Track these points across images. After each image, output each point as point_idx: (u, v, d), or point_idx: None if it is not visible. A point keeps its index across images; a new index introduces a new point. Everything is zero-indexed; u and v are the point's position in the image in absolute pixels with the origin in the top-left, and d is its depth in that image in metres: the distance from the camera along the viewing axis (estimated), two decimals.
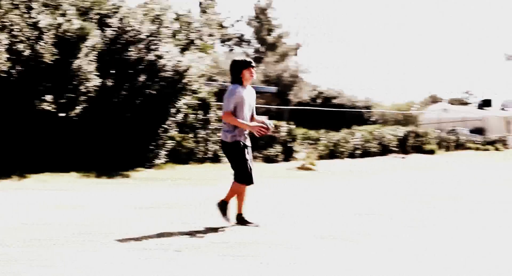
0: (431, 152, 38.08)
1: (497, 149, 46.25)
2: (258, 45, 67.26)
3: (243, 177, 9.05)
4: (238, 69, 9.12)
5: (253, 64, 9.25)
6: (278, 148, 27.26)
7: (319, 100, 43.03)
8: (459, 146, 44.31)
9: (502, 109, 70.51)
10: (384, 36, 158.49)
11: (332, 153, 30.10)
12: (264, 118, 9.45)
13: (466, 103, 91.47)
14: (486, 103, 68.08)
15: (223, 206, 9.08)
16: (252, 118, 9.39)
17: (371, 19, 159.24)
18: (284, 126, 28.29)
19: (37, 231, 8.48)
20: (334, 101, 42.83)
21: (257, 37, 67.18)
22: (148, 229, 8.63)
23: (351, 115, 39.89)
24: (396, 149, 35.44)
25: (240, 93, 9.00)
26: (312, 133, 30.15)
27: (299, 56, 59.54)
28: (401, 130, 37.09)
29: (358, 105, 43.11)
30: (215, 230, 8.62)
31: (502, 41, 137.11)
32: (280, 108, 34.77)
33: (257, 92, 36.18)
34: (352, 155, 31.31)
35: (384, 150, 34.31)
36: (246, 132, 9.20)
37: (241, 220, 9.13)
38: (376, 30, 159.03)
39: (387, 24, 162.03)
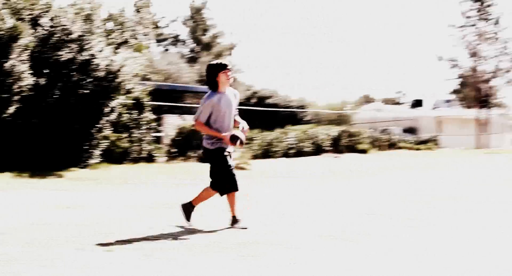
0: (364, 151, 38.50)
1: (429, 149, 47.05)
2: (194, 45, 67.31)
3: (227, 185, 8.90)
4: (213, 73, 8.80)
5: (229, 67, 8.88)
6: None
7: (253, 100, 43.14)
8: (392, 145, 44.96)
9: (434, 109, 71.86)
10: (319, 36, 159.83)
11: (266, 153, 30.31)
12: (243, 124, 9.20)
13: (399, 103, 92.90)
14: (418, 103, 69.36)
15: (234, 221, 8.92)
16: (234, 122, 9.22)
17: (304, 18, 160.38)
18: None
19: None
20: (269, 101, 42.99)
21: (192, 37, 67.23)
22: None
23: (285, 115, 40.10)
24: (330, 148, 35.76)
25: (212, 101, 8.70)
26: None
27: (234, 56, 59.55)
28: (334, 130, 37.41)
29: (292, 105, 43.39)
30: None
31: (434, 41, 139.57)
32: None
33: (191, 92, 36.06)
34: (286, 155, 31.57)
35: (318, 149, 34.60)
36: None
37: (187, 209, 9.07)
38: (311, 30, 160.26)
39: (321, 24, 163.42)
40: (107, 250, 7.19)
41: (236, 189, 8.93)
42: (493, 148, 59.10)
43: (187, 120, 30.30)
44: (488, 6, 63.78)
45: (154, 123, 26.54)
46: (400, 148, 45.38)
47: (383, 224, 9.23)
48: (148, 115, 25.78)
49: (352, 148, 37.90)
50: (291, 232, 8.47)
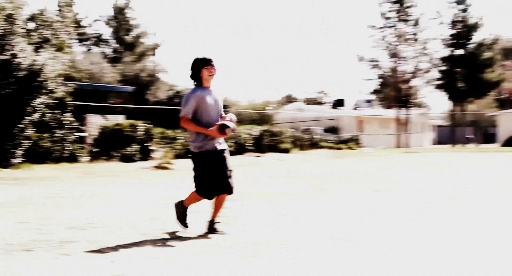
0: (286, 150, 38.73)
1: (350, 148, 47.71)
2: (117, 45, 66.91)
3: (203, 190, 8.35)
4: (197, 69, 8.34)
5: (213, 62, 8.36)
6: (135, 147, 27.36)
7: (176, 100, 43.14)
8: (314, 144, 45.39)
9: (355, 109, 73.00)
10: (243, 36, 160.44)
11: (189, 152, 30.32)
12: (230, 115, 8.44)
13: (320, 103, 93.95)
14: (339, 103, 70.29)
15: (181, 209, 8.67)
16: (221, 118, 8.52)
17: (228, 18, 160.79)
18: (141, 126, 28.38)
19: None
20: None
21: (115, 37, 66.84)
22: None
23: None
24: (252, 148, 35.98)
25: (198, 96, 8.23)
26: (169, 132, 30.33)
27: (158, 56, 59.41)
28: (256, 130, 37.61)
29: None
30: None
31: (355, 42, 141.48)
32: (137, 107, 34.82)
33: (114, 92, 35.81)
34: None
35: (240, 148, 34.68)
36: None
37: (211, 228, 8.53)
38: (235, 30, 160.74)
39: (245, 23, 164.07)
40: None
41: (210, 197, 8.41)
42: (413, 147, 60.47)
43: (110, 120, 30.24)
44: (408, 7, 65.13)
45: (76, 123, 26.49)
46: (321, 147, 45.89)
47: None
48: (71, 115, 25.72)
49: (274, 148, 38.06)
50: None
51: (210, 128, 8.16)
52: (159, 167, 24.14)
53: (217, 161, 8.32)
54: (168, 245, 7.49)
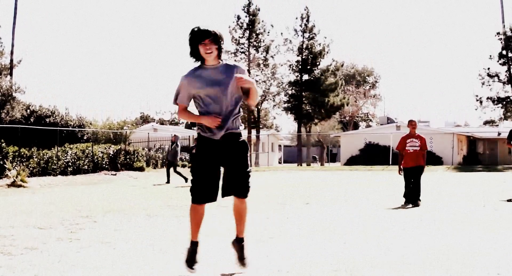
0: (141, 169, 39.95)
1: None
2: None
3: (191, 189, 6.61)
4: (192, 44, 6.46)
5: (211, 37, 6.39)
6: None
7: (32, 119, 43.18)
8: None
9: None
10: (102, 56, 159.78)
11: (44, 170, 30.78)
12: None
13: (176, 124, 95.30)
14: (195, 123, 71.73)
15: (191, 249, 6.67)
16: None
17: (89, 37, 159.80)
18: None
19: None
20: (48, 119, 43.11)
21: None
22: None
23: (64, 134, 40.23)
24: (108, 166, 36.96)
25: (188, 79, 6.60)
26: (25, 151, 30.55)
27: (15, 75, 58.91)
28: (112, 149, 38.48)
29: (72, 124, 43.81)
30: None
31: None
32: None
33: None
34: (64, 172, 32.22)
35: (96, 167, 35.65)
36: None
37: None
38: (92, 49, 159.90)
39: (104, 42, 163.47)
40: None
41: (195, 200, 6.56)
42: (262, 165, 62.81)
43: None
44: (259, 34, 67.65)
45: None
46: (176, 165, 47.01)
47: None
48: None
49: (129, 166, 39.20)
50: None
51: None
52: (13, 185, 24.62)
53: (203, 158, 6.56)
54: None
